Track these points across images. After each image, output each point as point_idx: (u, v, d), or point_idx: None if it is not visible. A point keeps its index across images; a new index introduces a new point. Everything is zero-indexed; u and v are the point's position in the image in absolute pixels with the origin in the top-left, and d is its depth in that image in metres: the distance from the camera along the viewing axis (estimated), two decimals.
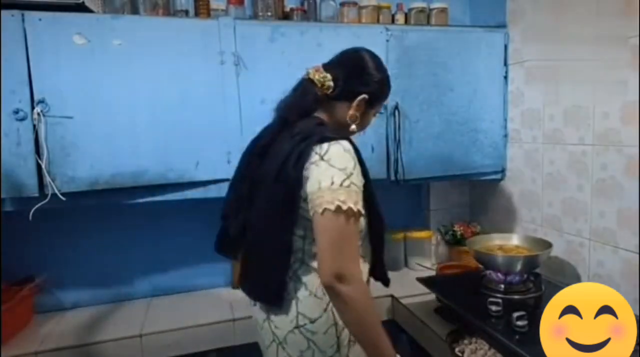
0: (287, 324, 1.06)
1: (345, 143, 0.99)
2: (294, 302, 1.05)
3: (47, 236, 1.70)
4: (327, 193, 0.93)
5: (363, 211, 0.97)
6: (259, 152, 1.11)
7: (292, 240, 1.02)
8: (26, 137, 1.31)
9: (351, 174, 0.95)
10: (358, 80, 1.08)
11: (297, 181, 0.97)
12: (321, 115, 1.09)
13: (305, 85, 1.08)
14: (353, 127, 1.10)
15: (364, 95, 1.07)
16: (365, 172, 1.02)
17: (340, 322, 1.02)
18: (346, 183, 0.94)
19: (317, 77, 1.06)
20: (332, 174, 0.94)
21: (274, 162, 1.02)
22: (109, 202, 1.46)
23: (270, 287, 1.05)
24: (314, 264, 1.02)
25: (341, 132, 1.06)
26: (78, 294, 1.76)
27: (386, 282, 1.20)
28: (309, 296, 1.04)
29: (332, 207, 0.92)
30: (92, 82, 1.36)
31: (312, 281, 1.04)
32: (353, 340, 1.04)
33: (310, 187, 0.96)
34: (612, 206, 1.41)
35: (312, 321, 1.03)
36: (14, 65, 1.29)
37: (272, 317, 1.08)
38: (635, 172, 1.32)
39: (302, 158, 0.98)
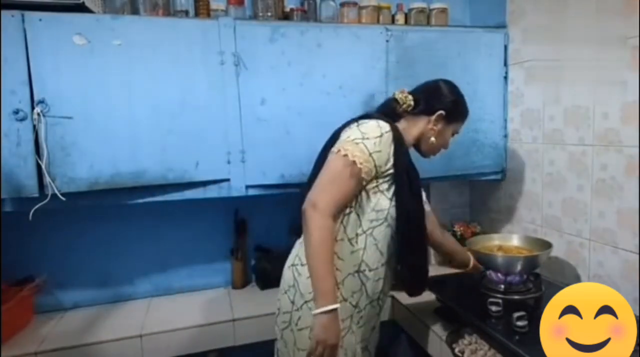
0: (289, 260, 1.27)
1: (382, 122, 1.16)
2: (298, 243, 1.24)
3: (47, 236, 1.69)
4: (340, 143, 1.13)
5: (362, 167, 1.09)
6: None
7: None
8: (26, 137, 1.31)
9: (367, 138, 1.11)
10: (435, 99, 1.26)
11: (333, 142, 1.17)
12: (401, 126, 1.24)
13: (389, 102, 1.27)
14: (432, 139, 1.27)
15: (441, 111, 1.24)
16: (400, 161, 1.15)
17: None
18: (357, 141, 1.11)
19: (400, 96, 1.25)
20: (351, 133, 1.14)
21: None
22: (109, 203, 1.46)
23: (298, 221, 1.20)
24: None
25: (422, 145, 1.28)
26: (78, 294, 1.76)
27: (409, 291, 1.31)
28: None
29: (335, 150, 1.12)
30: (92, 82, 1.36)
31: None
32: None
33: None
34: (612, 206, 1.41)
35: (302, 264, 1.18)
36: (14, 65, 1.28)
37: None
38: (635, 172, 1.32)
39: (343, 127, 1.20)
